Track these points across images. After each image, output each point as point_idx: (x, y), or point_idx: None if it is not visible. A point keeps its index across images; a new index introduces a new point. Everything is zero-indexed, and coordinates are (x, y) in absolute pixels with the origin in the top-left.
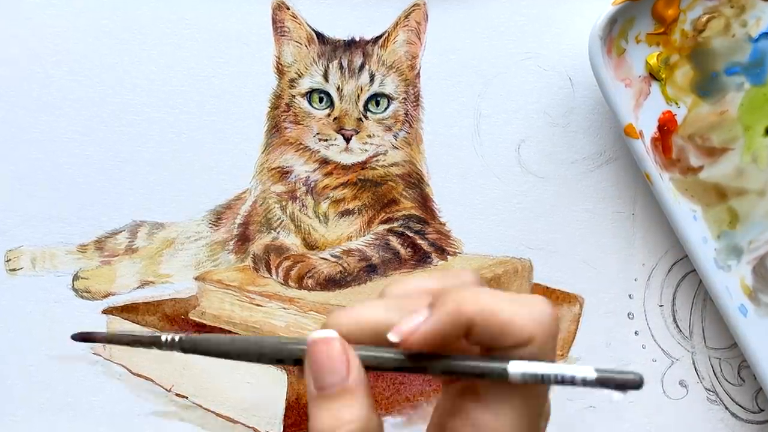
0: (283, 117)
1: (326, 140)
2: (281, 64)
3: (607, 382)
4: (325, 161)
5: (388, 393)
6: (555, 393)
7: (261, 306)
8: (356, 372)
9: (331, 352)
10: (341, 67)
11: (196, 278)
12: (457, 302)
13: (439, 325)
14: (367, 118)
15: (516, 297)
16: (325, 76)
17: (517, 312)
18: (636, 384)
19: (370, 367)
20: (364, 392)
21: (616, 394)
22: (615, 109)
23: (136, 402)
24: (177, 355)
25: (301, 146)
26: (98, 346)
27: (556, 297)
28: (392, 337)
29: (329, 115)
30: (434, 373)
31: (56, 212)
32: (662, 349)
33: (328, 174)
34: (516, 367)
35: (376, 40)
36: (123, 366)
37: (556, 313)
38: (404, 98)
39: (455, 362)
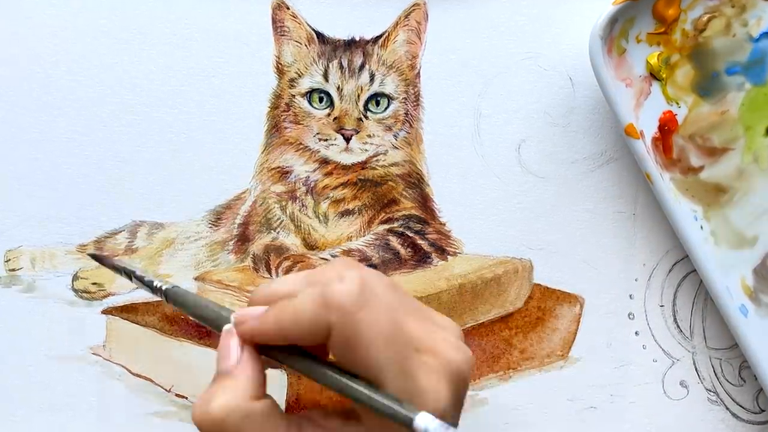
0: (282, 117)
1: (326, 140)
2: (281, 64)
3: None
4: (325, 161)
5: None
6: (556, 393)
7: None
8: (244, 362)
9: (224, 342)
10: (341, 66)
11: (196, 278)
12: (274, 315)
13: (261, 329)
14: (367, 117)
15: (313, 285)
16: (325, 76)
17: (309, 313)
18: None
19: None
20: (244, 382)
21: None
22: (615, 109)
23: (135, 402)
24: (176, 356)
25: (301, 146)
26: (98, 347)
27: (557, 297)
28: (231, 320)
29: (329, 114)
30: (289, 366)
31: (55, 212)
32: (663, 350)
33: (328, 174)
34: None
35: (376, 39)
36: (122, 366)
37: (355, 283)
38: (404, 98)
39: (299, 363)
